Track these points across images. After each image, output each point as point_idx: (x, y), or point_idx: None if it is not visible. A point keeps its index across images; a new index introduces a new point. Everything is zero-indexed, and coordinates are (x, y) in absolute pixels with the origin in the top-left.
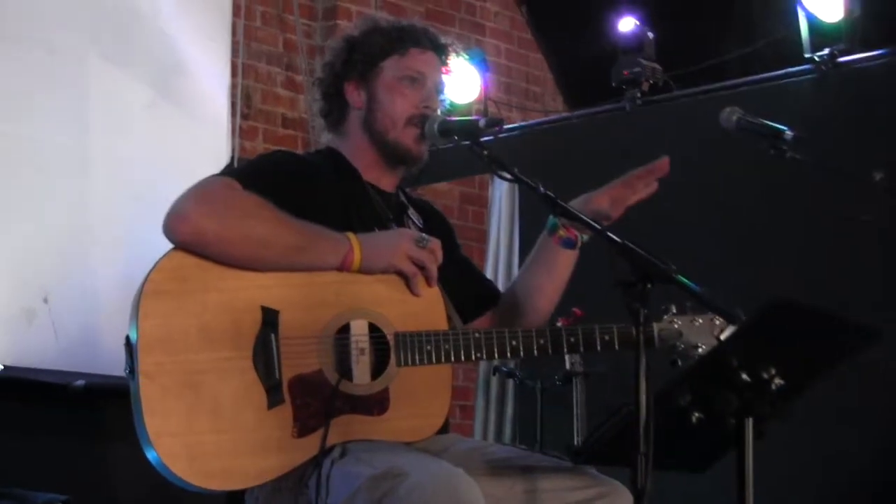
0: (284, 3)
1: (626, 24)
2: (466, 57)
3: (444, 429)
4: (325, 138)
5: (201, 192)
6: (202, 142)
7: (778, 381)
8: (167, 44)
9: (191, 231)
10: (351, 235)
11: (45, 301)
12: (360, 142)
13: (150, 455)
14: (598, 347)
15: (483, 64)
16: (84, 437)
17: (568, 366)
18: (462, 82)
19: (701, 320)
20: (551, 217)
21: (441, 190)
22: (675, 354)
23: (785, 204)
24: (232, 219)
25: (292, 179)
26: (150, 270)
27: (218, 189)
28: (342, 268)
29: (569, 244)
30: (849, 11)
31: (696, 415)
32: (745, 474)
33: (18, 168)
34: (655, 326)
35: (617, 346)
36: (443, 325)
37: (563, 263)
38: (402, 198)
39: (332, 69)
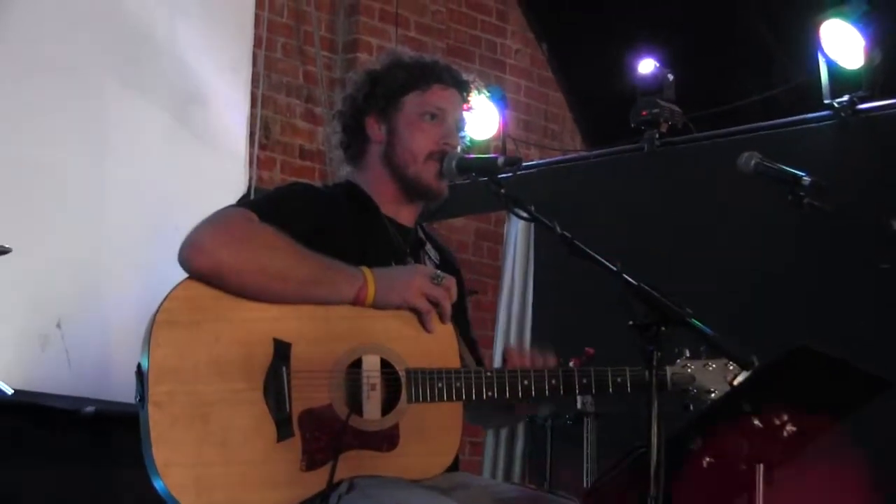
0: (305, 35)
1: (646, 67)
2: (486, 94)
3: (453, 466)
4: (345, 171)
5: (218, 223)
6: (220, 171)
7: (789, 427)
8: (187, 73)
9: (207, 262)
10: (366, 270)
11: (59, 326)
12: (379, 175)
13: (158, 485)
14: (611, 390)
15: (502, 101)
16: (93, 462)
17: (579, 405)
18: (481, 119)
19: (714, 365)
20: None
21: (456, 225)
22: (688, 399)
23: (802, 249)
24: (248, 251)
25: (309, 212)
26: (163, 300)
27: (235, 220)
28: (356, 302)
29: None
30: (869, 58)
31: (708, 459)
32: None
33: (35, 194)
34: (668, 370)
35: (629, 389)
36: (455, 362)
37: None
38: (421, 233)
39: (353, 102)
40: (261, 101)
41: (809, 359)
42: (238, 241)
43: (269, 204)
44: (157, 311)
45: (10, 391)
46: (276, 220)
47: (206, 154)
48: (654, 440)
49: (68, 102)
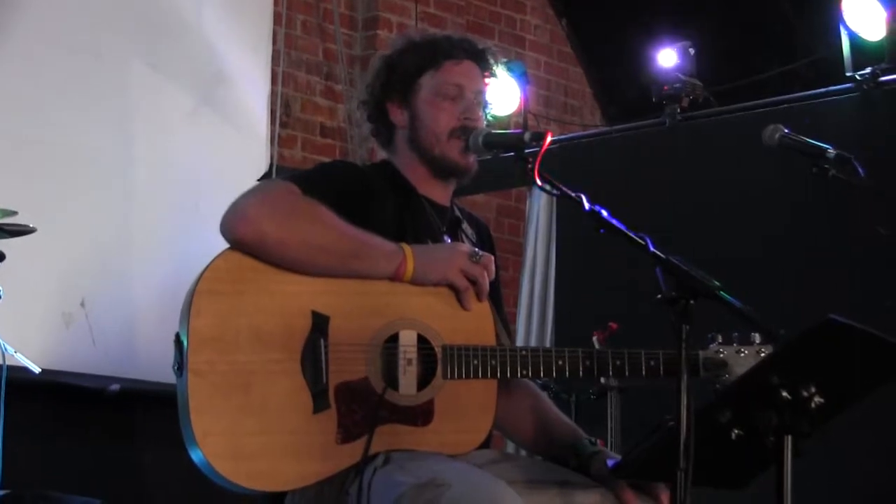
0: (325, 12)
1: (667, 58)
2: (506, 67)
3: (485, 443)
4: (366, 149)
5: (262, 194)
6: (242, 150)
7: (818, 399)
8: (209, 52)
9: (250, 231)
10: (405, 246)
11: (82, 305)
12: (409, 158)
13: (195, 454)
14: (644, 372)
15: (523, 77)
16: (119, 440)
17: (603, 380)
18: (502, 95)
19: (746, 351)
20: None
21: (478, 202)
22: (719, 384)
23: (825, 222)
24: (291, 222)
25: (351, 189)
26: (204, 269)
27: (279, 192)
28: (395, 277)
29: None
30: (891, 30)
31: (736, 432)
32: (783, 491)
33: (58, 173)
34: (701, 354)
35: (662, 372)
36: (491, 340)
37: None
38: (457, 212)
39: (372, 91)
40: (281, 79)
41: (838, 332)
42: (281, 213)
43: (311, 179)
44: (198, 279)
45: (37, 370)
46: (318, 194)
47: (229, 133)
48: (684, 413)
49: (92, 83)
